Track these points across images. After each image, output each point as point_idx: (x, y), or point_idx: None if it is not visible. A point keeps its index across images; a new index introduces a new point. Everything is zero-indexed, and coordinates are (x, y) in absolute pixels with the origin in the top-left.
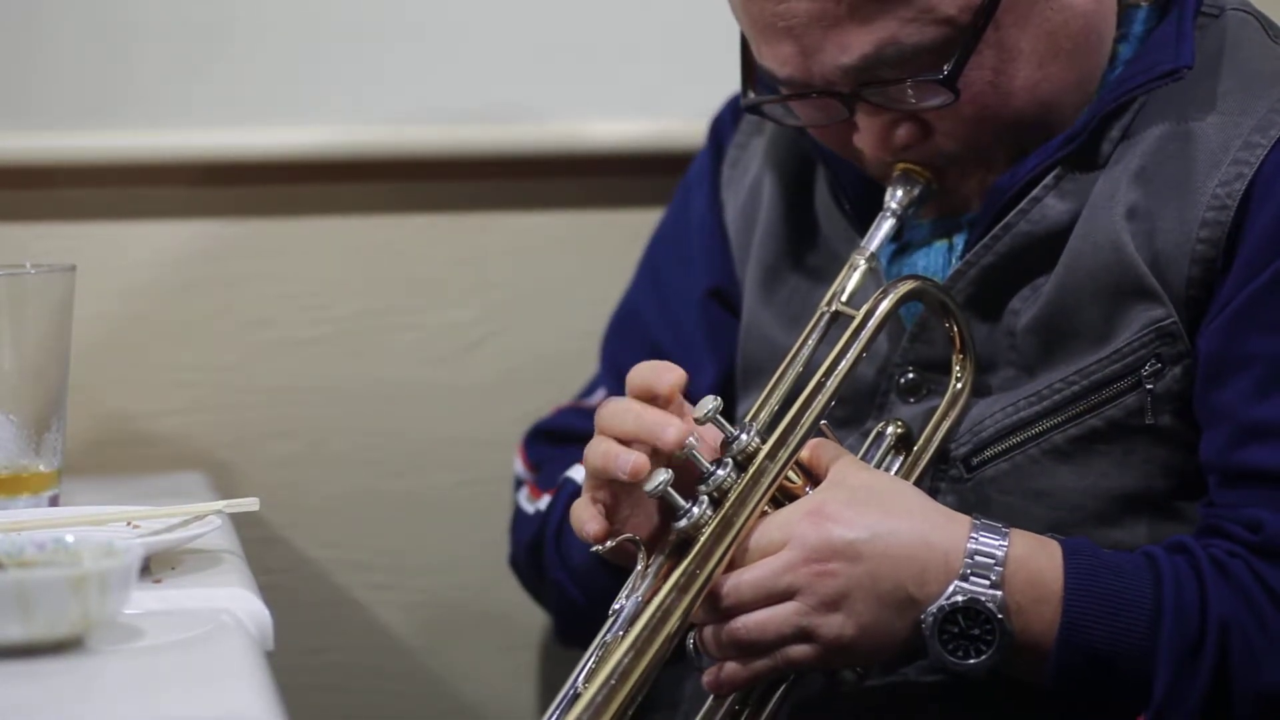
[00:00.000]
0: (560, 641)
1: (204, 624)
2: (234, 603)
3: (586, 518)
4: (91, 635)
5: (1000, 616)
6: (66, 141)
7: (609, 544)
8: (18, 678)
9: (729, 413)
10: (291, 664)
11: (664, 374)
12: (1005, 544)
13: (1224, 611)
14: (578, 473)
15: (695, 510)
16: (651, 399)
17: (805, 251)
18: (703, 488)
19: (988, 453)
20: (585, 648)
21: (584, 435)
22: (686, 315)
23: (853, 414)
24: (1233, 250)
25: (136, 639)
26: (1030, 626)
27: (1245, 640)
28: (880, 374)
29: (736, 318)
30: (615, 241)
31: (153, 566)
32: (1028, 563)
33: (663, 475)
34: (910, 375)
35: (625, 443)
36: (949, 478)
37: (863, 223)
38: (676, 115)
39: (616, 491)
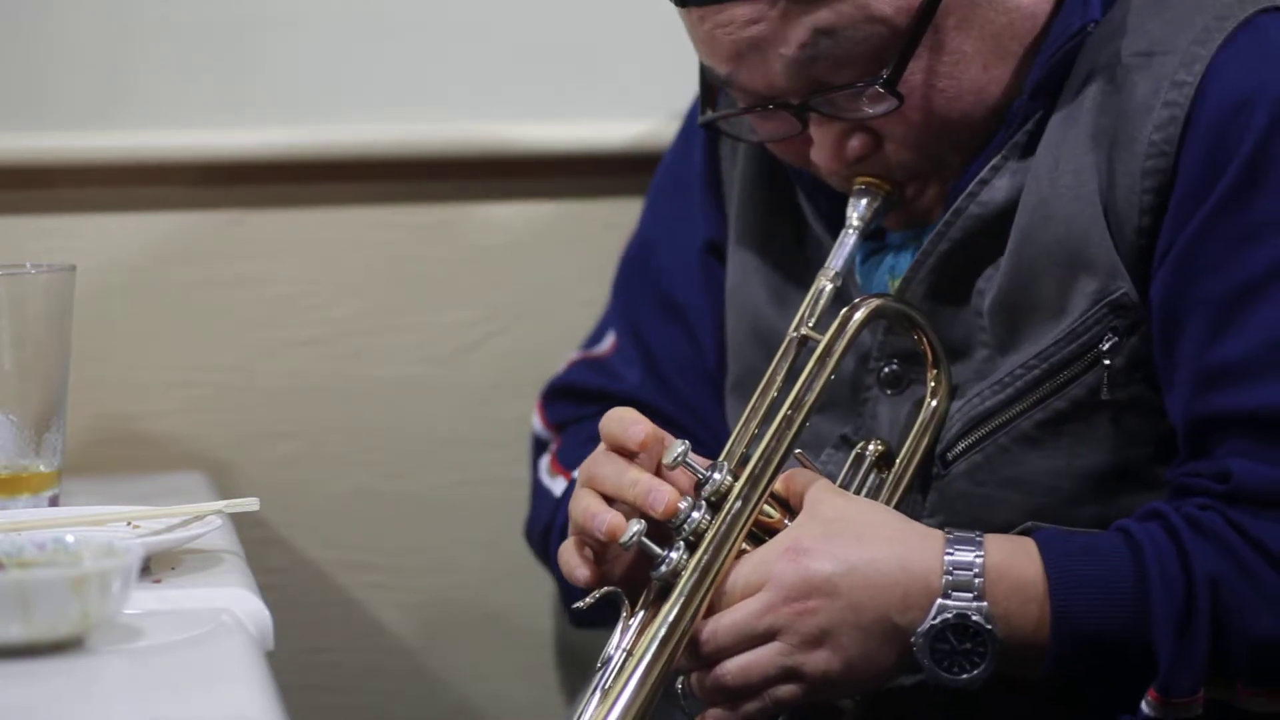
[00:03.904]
0: (574, 624)
1: (204, 624)
2: (234, 603)
3: (575, 564)
4: (91, 635)
5: (989, 627)
6: (66, 141)
7: (587, 601)
8: (18, 678)
9: (720, 390)
10: (291, 664)
11: (631, 428)
12: (981, 553)
13: (1208, 567)
14: None
15: (672, 556)
16: (625, 454)
17: (789, 221)
18: (678, 533)
19: (959, 446)
20: (591, 628)
21: (600, 393)
22: (693, 267)
23: (834, 406)
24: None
25: (136, 639)
26: (1021, 628)
27: (1233, 593)
28: (861, 367)
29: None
30: (616, 241)
31: (153, 566)
32: (1007, 568)
33: (635, 527)
34: (894, 366)
35: (611, 499)
36: (926, 475)
37: (835, 230)
38: (676, 115)
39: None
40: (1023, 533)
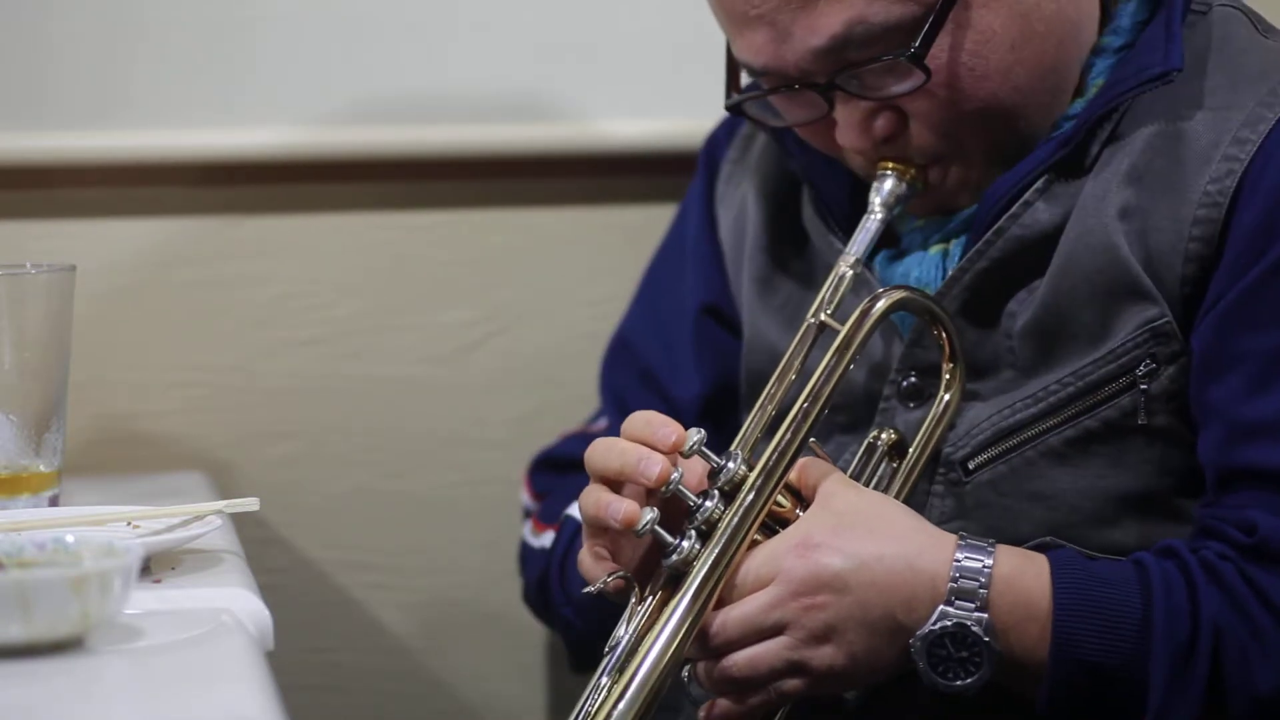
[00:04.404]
0: (573, 669)
1: (204, 624)
2: (234, 603)
3: (591, 564)
4: (91, 635)
5: (987, 639)
6: (66, 141)
7: (599, 585)
8: (18, 678)
9: (733, 428)
10: (291, 664)
11: (660, 429)
12: (990, 563)
13: (1215, 617)
14: (577, 510)
15: (684, 545)
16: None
17: (795, 259)
18: (691, 521)
19: (984, 456)
20: (592, 672)
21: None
22: (678, 334)
23: (855, 421)
24: (1224, 246)
25: (136, 639)
26: (1020, 644)
27: (1237, 645)
28: (881, 380)
29: (733, 333)
30: (616, 241)
31: (153, 566)
32: (1014, 581)
33: (648, 515)
34: (912, 380)
35: (613, 483)
36: (947, 481)
37: (849, 235)
38: (677, 115)
39: (615, 536)
40: (1040, 547)
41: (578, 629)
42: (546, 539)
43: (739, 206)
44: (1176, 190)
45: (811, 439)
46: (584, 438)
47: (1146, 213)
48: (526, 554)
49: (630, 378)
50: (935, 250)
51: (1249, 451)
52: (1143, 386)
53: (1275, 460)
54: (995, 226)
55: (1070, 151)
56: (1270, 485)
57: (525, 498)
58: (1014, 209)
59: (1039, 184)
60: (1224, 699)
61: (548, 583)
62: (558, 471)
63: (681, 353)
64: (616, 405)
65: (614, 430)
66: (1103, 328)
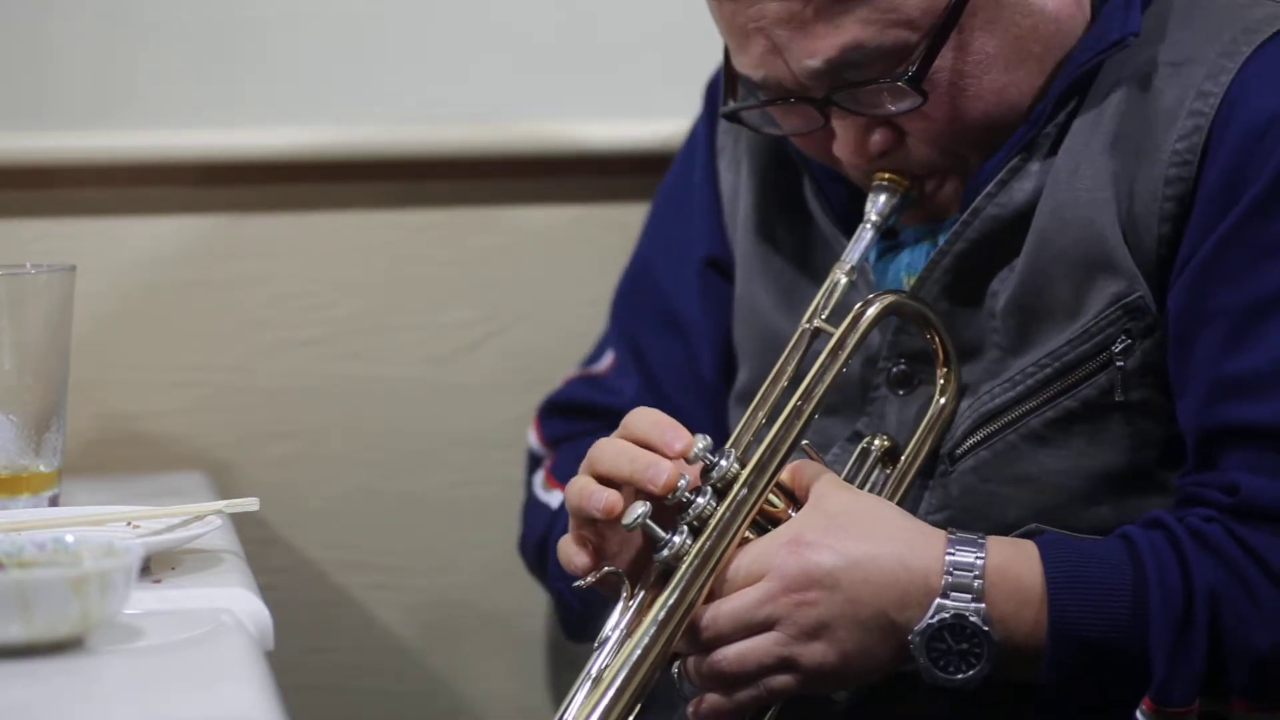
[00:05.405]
0: (568, 637)
1: (204, 624)
2: (234, 603)
3: (574, 552)
4: (91, 635)
5: (986, 628)
6: (66, 141)
7: (590, 579)
8: (18, 678)
9: (728, 386)
10: (291, 664)
11: (668, 433)
12: (983, 555)
13: (1208, 581)
14: None
15: (675, 540)
16: (648, 449)
17: (793, 226)
18: (683, 517)
19: (968, 443)
20: (587, 642)
21: (596, 409)
22: (692, 282)
23: (841, 406)
24: (1194, 203)
25: (136, 639)
26: (1018, 631)
27: (1233, 606)
28: (870, 366)
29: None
30: (615, 241)
31: (153, 566)
32: (1007, 570)
33: (640, 508)
34: (901, 366)
35: (614, 484)
36: (935, 473)
37: (848, 226)
38: (675, 116)
39: (601, 528)
40: (1027, 534)
41: (570, 602)
42: (555, 498)
43: (735, 166)
44: (1148, 153)
45: (804, 441)
46: (588, 380)
47: (1121, 179)
48: (532, 504)
49: (649, 317)
50: (925, 242)
51: (1228, 409)
52: (1119, 364)
53: (1254, 416)
54: (972, 207)
55: (1041, 128)
56: (1250, 441)
57: (534, 442)
58: (989, 188)
59: (1013, 163)
60: (1225, 663)
61: (547, 550)
62: (571, 417)
63: (698, 305)
64: (629, 346)
65: (622, 365)
66: (1076, 302)
